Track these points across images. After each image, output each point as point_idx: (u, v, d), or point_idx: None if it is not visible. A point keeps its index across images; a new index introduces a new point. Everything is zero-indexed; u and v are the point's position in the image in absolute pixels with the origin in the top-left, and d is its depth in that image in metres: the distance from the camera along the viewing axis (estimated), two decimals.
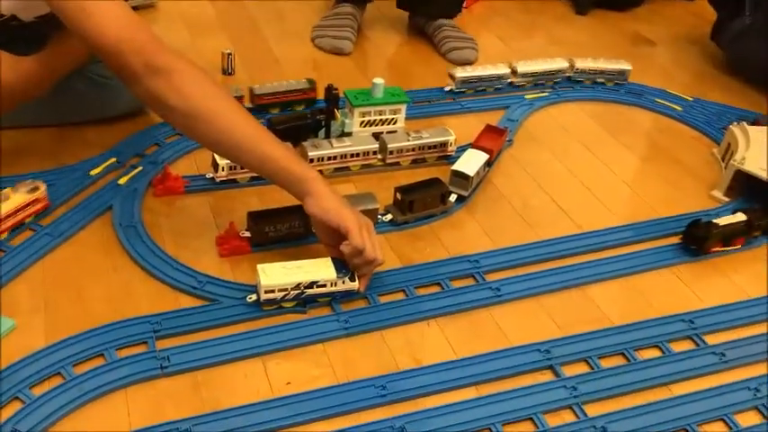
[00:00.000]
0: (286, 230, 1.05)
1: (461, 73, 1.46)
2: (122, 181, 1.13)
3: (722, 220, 1.12)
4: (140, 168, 1.16)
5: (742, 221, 1.12)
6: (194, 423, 0.80)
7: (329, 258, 0.97)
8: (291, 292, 0.94)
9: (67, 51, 1.10)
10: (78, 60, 1.13)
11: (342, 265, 0.96)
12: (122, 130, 1.24)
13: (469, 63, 1.58)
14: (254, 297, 0.95)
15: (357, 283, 0.97)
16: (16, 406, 0.80)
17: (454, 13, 1.66)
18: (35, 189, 1.03)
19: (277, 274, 0.94)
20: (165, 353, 0.87)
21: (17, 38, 1.08)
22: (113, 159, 1.17)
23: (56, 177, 1.12)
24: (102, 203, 1.09)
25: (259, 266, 0.94)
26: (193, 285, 0.97)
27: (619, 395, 0.90)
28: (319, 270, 0.95)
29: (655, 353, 0.96)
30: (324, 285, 0.95)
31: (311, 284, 0.94)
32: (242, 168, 1.15)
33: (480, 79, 1.47)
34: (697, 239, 1.11)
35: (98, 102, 1.23)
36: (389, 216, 1.12)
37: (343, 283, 0.96)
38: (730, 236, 1.12)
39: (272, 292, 0.93)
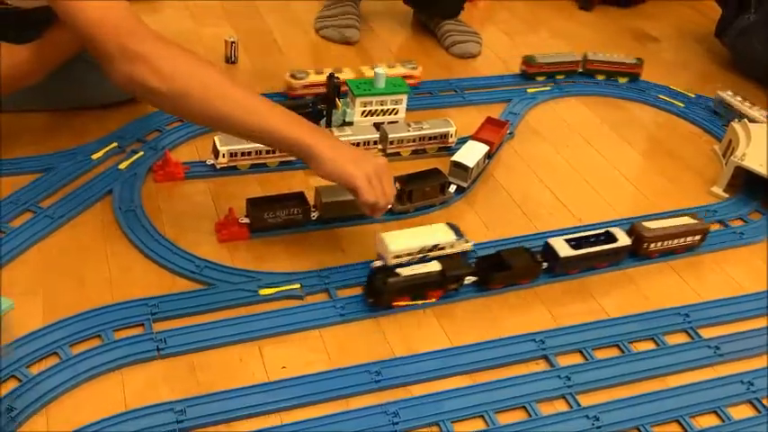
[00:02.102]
0: (285, 217, 1.06)
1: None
2: (123, 166, 1.14)
3: (408, 270, 0.95)
4: (141, 154, 1.17)
5: (435, 272, 0.96)
6: (189, 404, 0.81)
7: (443, 224, 1.04)
8: (416, 256, 0.99)
9: (65, 39, 1.10)
10: (74, 49, 1.13)
11: (456, 229, 1.03)
12: (124, 115, 1.24)
13: (472, 57, 1.58)
14: (378, 263, 0.99)
15: (470, 243, 1.03)
16: (13, 384, 0.81)
17: (454, 14, 1.65)
18: None
19: (401, 240, 0.99)
20: (162, 335, 0.88)
21: (17, 26, 1.09)
22: (114, 144, 1.18)
23: (57, 161, 1.13)
24: (102, 188, 1.09)
25: (381, 234, 1.00)
26: (191, 270, 0.98)
27: (612, 386, 0.90)
28: (437, 234, 1.02)
29: (649, 345, 0.97)
30: (443, 248, 1.01)
31: (433, 247, 1.00)
32: (242, 155, 1.16)
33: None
34: (374, 292, 0.94)
35: (99, 87, 1.23)
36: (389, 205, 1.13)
37: (459, 244, 1.02)
38: (420, 287, 0.96)
39: (400, 256, 0.98)
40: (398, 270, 0.95)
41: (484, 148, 1.21)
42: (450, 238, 1.02)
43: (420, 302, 0.96)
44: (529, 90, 1.49)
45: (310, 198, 1.09)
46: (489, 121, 1.29)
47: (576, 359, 0.93)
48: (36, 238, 1.00)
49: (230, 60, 1.46)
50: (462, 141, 1.25)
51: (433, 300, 0.97)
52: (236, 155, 1.15)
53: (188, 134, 1.23)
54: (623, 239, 1.05)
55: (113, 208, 1.06)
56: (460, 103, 1.44)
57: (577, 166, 1.31)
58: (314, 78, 1.34)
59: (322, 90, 1.29)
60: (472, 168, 1.17)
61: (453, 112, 1.38)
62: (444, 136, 1.26)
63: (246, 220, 1.06)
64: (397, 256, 0.98)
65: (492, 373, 0.90)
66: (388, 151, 1.24)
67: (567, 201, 1.21)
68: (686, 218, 1.11)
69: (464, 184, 1.18)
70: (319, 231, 1.08)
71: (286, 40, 1.58)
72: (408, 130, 1.25)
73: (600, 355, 0.94)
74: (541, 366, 0.92)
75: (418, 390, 0.87)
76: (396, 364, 0.89)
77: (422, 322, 0.96)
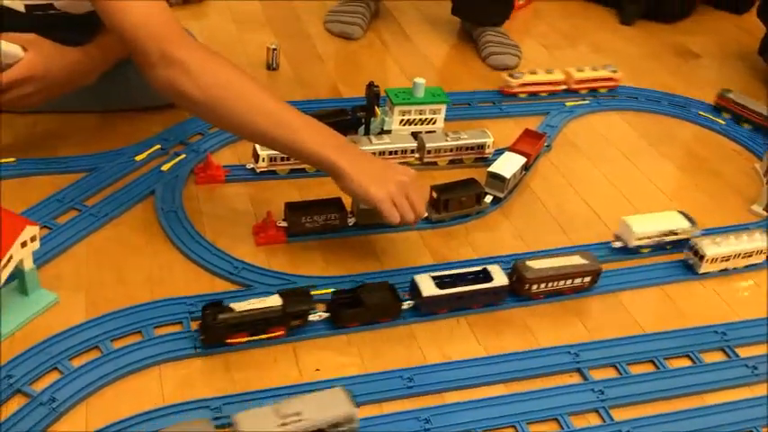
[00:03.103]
0: (322, 222, 1.07)
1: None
2: (166, 167, 1.16)
3: (245, 305, 0.88)
4: (183, 156, 1.19)
5: (274, 307, 0.88)
6: (225, 402, 0.82)
7: (675, 211, 1.12)
8: (654, 240, 1.07)
9: (114, 43, 1.13)
10: (125, 52, 1.16)
11: (688, 216, 1.10)
12: (168, 118, 1.27)
13: (508, 68, 1.59)
14: (618, 244, 1.09)
15: (699, 231, 1.09)
16: (55, 376, 0.83)
17: (499, 21, 1.67)
18: None
19: (644, 224, 1.08)
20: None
21: (65, 30, 1.12)
22: (158, 146, 1.20)
23: (102, 161, 1.16)
24: (145, 188, 1.12)
25: (625, 218, 1.09)
26: (230, 271, 0.99)
27: (646, 401, 0.89)
28: (674, 219, 1.10)
29: (685, 362, 0.96)
30: (677, 233, 1.09)
31: (669, 233, 1.07)
32: (281, 160, 1.17)
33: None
34: (204, 328, 0.88)
35: (143, 90, 1.25)
36: (425, 213, 1.13)
37: (692, 230, 1.09)
38: (259, 324, 0.88)
39: (642, 239, 1.07)
40: (233, 305, 0.88)
41: (521, 160, 1.21)
42: (684, 224, 1.08)
43: (264, 337, 0.89)
44: (567, 103, 1.49)
45: (347, 204, 1.10)
46: (527, 132, 1.29)
47: (610, 373, 0.93)
48: (80, 235, 1.02)
49: (271, 67, 1.49)
50: (499, 153, 1.25)
51: (279, 334, 0.90)
52: (275, 159, 1.17)
53: (229, 138, 1.25)
54: (499, 279, 0.98)
55: (155, 208, 1.08)
56: (498, 114, 1.44)
57: (614, 181, 1.30)
58: (529, 78, 1.46)
59: (537, 89, 1.46)
60: (509, 179, 1.18)
61: (490, 124, 1.38)
62: (481, 146, 1.27)
63: (284, 224, 1.07)
64: (640, 238, 1.07)
65: (525, 383, 0.90)
66: (426, 160, 1.25)
67: (603, 214, 1.21)
68: (577, 257, 1.03)
69: (500, 195, 1.18)
70: (356, 237, 1.09)
71: (326, 47, 1.61)
72: (446, 140, 1.25)
73: (634, 370, 0.93)
74: (575, 379, 0.91)
75: (450, 397, 0.87)
76: (428, 371, 0.89)
77: (455, 330, 0.97)
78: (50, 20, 1.13)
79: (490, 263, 1.02)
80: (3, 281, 0.86)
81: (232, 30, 1.61)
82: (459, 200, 1.13)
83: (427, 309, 0.96)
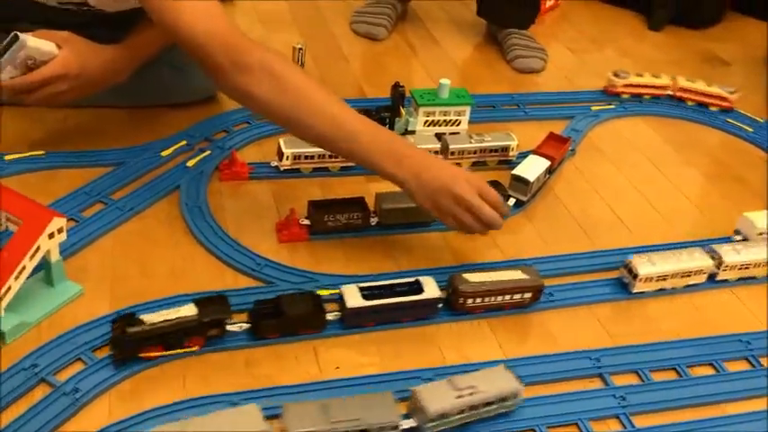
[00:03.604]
0: (345, 221, 1.07)
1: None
2: (191, 163, 1.17)
3: (157, 317, 0.84)
4: (208, 152, 1.20)
5: (189, 317, 0.85)
6: (245, 397, 0.82)
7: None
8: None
9: (147, 41, 1.15)
10: (156, 50, 1.18)
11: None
12: (194, 114, 1.28)
13: (535, 72, 1.58)
14: (738, 237, 1.14)
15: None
16: (79, 366, 0.84)
17: (526, 24, 1.66)
18: None
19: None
20: None
21: (99, 27, 1.13)
22: (183, 142, 1.21)
23: (129, 156, 1.17)
24: (170, 183, 1.13)
25: (747, 214, 1.13)
26: (252, 267, 1.00)
27: (668, 409, 0.88)
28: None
29: (708, 371, 0.95)
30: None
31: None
32: (305, 158, 1.18)
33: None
34: (114, 343, 0.84)
35: (174, 87, 1.27)
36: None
37: None
38: (174, 336, 0.85)
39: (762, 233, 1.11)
40: (144, 317, 0.84)
41: (545, 163, 1.21)
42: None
43: (180, 351, 0.85)
44: (593, 107, 1.48)
45: (370, 204, 1.10)
46: (551, 136, 1.28)
47: (631, 379, 0.92)
48: (106, 228, 1.04)
49: None
50: (523, 156, 1.25)
51: (196, 348, 0.86)
52: (299, 158, 1.18)
53: (254, 136, 1.26)
54: (431, 292, 0.93)
55: (180, 203, 1.09)
56: (522, 117, 1.44)
57: (639, 186, 1.29)
58: (634, 80, 1.49)
59: (641, 90, 1.49)
60: (532, 182, 1.17)
61: (514, 127, 1.37)
62: (505, 149, 1.27)
63: (307, 222, 1.08)
64: (761, 234, 1.11)
65: (545, 387, 0.90)
66: (449, 161, 1.25)
67: (626, 220, 1.20)
68: (519, 271, 0.98)
69: (523, 198, 1.18)
70: (378, 237, 1.09)
71: (351, 48, 1.61)
72: (470, 142, 1.25)
73: (657, 377, 0.92)
74: (596, 384, 0.91)
75: None
76: (448, 373, 0.89)
77: (476, 332, 0.96)
78: (82, 16, 1.15)
79: (513, 265, 1.02)
80: (29, 272, 0.87)
81: (259, 30, 1.62)
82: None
83: (352, 321, 0.92)
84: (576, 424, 0.85)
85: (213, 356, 0.88)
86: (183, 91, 1.28)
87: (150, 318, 0.84)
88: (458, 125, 1.31)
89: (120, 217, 1.06)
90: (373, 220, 1.10)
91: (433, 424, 0.80)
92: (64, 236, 0.90)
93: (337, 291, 0.95)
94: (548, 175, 1.24)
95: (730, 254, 1.07)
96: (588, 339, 0.97)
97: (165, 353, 0.85)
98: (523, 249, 1.11)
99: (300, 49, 1.48)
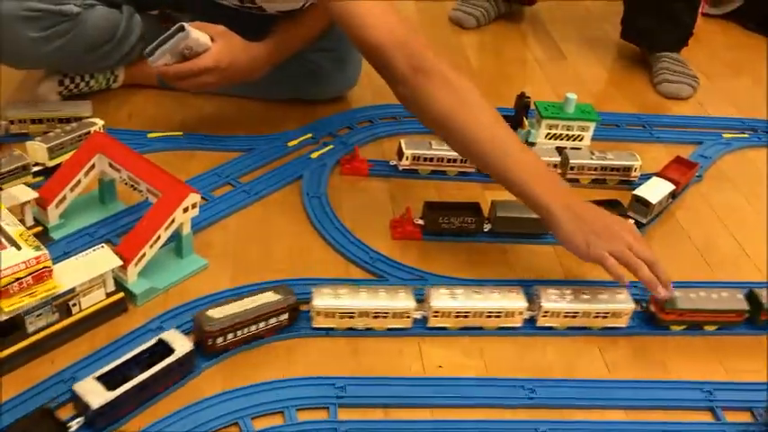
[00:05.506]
0: (458, 224, 1.08)
1: None
2: (314, 155, 1.22)
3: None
4: (332, 146, 1.25)
5: None
6: (349, 383, 0.85)
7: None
8: None
9: (287, 42, 1.21)
10: (295, 51, 1.23)
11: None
12: (321, 110, 1.33)
13: (680, 99, 1.54)
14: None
15: None
16: None
17: (676, 47, 1.62)
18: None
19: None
20: None
21: (251, 24, 1.20)
22: (309, 135, 1.26)
23: (258, 143, 1.23)
24: (294, 172, 1.18)
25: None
26: (365, 260, 1.03)
27: None
28: None
29: None
30: None
31: None
32: (424, 160, 1.20)
33: None
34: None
35: (309, 86, 1.33)
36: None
37: None
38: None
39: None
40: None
41: (669, 187, 1.17)
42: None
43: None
44: (724, 135, 1.42)
45: (485, 210, 1.10)
46: (678, 160, 1.24)
47: (744, 417, 0.88)
48: (233, 209, 1.09)
49: None
50: (645, 178, 1.21)
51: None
52: (418, 159, 1.20)
53: (375, 134, 1.30)
54: (181, 347, 0.81)
55: (301, 192, 1.14)
56: (648, 139, 1.40)
57: None
58: None
59: None
60: (654, 205, 1.14)
61: (638, 147, 1.34)
62: (628, 169, 1.24)
63: (421, 222, 1.09)
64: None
65: (650, 413, 0.87)
66: (568, 177, 1.23)
67: (752, 253, 1.14)
68: (270, 293, 0.90)
69: (643, 220, 1.15)
70: (489, 244, 1.09)
71: (478, 55, 1.62)
72: (591, 158, 1.23)
73: None
74: (706, 417, 0.87)
75: (571, 415, 0.86)
76: (551, 385, 0.88)
77: (582, 349, 0.95)
78: (238, 13, 1.21)
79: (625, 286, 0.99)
80: (163, 242, 0.94)
81: None
82: None
83: (104, 420, 0.76)
84: None
85: (323, 341, 0.91)
86: (314, 91, 1.33)
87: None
88: (580, 140, 1.29)
89: (245, 200, 1.11)
90: (486, 227, 1.10)
91: None
92: (197, 211, 0.96)
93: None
94: (671, 200, 1.20)
95: None
96: (700, 370, 0.93)
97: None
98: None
99: None
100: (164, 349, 0.81)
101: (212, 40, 1.10)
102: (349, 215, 1.12)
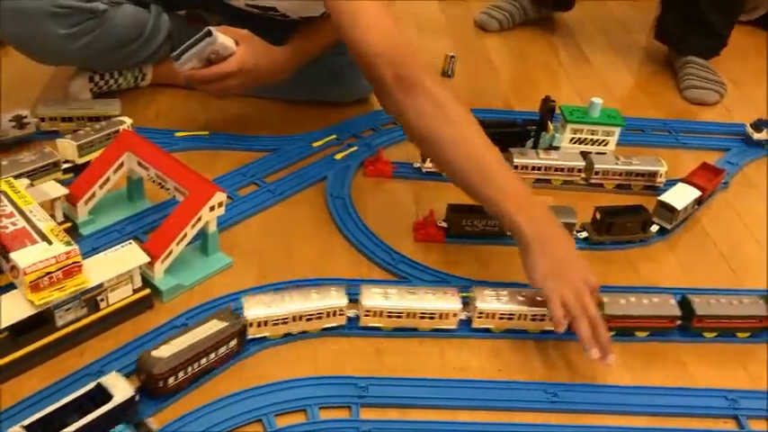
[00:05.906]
0: (482, 227, 1.08)
1: None
2: (339, 156, 1.23)
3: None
4: (356, 148, 1.25)
5: None
6: (372, 383, 0.86)
7: None
8: None
9: (310, 46, 1.22)
10: (317, 54, 1.24)
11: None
12: (345, 111, 1.34)
13: (706, 104, 1.53)
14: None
15: None
16: None
17: (709, 55, 1.61)
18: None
19: None
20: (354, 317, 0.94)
21: (274, 28, 1.21)
22: (334, 136, 1.27)
23: (283, 144, 1.24)
24: (318, 173, 1.19)
25: None
26: (388, 261, 1.03)
27: None
28: None
29: None
30: None
31: None
32: None
33: None
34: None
35: (329, 89, 1.34)
36: (585, 234, 1.12)
37: None
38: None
39: None
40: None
41: (695, 193, 1.17)
42: None
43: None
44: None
45: None
46: (704, 166, 1.23)
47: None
48: (257, 208, 1.10)
49: (447, 74, 1.52)
50: (671, 183, 1.21)
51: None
52: None
53: (399, 137, 1.30)
54: (122, 393, 0.74)
55: (325, 193, 1.15)
56: (673, 144, 1.39)
57: None
58: None
59: None
60: (679, 211, 1.13)
61: (664, 153, 1.33)
62: (653, 174, 1.23)
63: (444, 224, 1.10)
64: None
65: (672, 420, 0.87)
66: (592, 181, 1.23)
67: None
68: (214, 321, 0.85)
69: (668, 226, 1.14)
70: (512, 247, 1.08)
71: (502, 59, 1.62)
72: (616, 163, 1.23)
73: None
74: (729, 426, 0.87)
75: (592, 419, 0.86)
76: (573, 390, 0.88)
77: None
78: (262, 19, 1.22)
79: (654, 291, 0.99)
80: (189, 239, 0.95)
81: (412, 34, 1.67)
82: (624, 224, 1.11)
83: None
84: None
85: (346, 340, 0.92)
86: (337, 93, 1.34)
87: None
88: (605, 145, 1.29)
89: (270, 199, 1.12)
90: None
91: None
92: (222, 210, 0.97)
93: (465, 294, 0.96)
94: (696, 206, 1.19)
95: None
96: (725, 378, 0.92)
97: None
98: (662, 279, 1.07)
99: (452, 57, 1.51)
100: (103, 395, 0.74)
101: (236, 43, 1.12)
102: (372, 216, 1.12)
